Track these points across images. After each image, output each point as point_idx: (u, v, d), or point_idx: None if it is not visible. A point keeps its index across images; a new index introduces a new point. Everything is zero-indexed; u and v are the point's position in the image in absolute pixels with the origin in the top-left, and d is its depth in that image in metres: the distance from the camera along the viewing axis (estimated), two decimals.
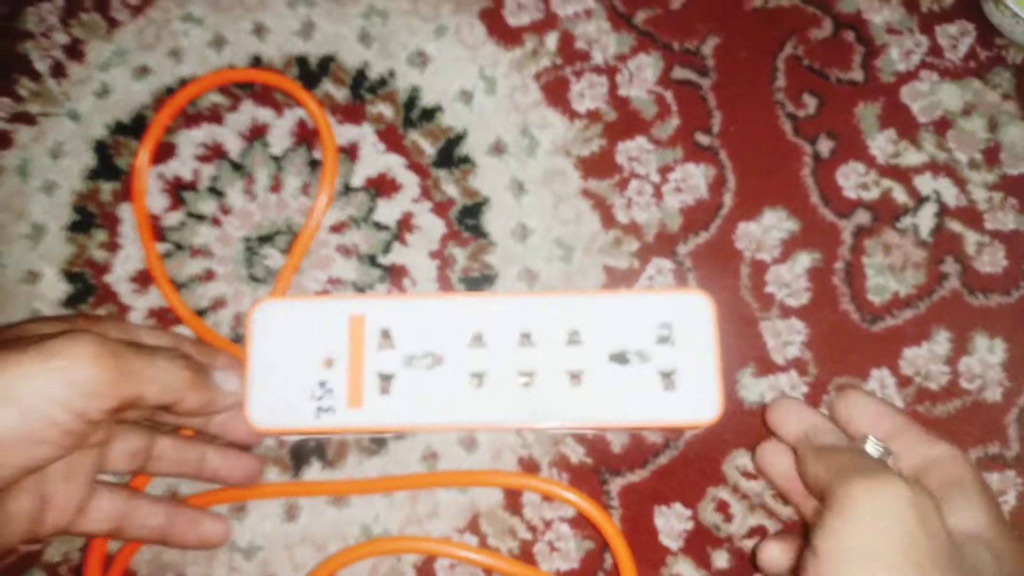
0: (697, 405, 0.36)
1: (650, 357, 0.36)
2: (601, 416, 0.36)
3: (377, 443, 0.40)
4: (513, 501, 0.39)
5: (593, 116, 0.43)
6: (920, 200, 0.41)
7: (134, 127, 0.45)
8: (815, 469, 0.30)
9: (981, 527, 0.28)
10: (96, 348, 0.28)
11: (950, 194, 0.41)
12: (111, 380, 0.28)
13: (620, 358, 0.37)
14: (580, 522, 0.39)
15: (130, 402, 0.30)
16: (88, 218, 0.44)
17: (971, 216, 0.41)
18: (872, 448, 0.32)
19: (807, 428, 0.33)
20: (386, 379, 0.37)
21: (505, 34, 0.45)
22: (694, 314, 0.37)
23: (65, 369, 0.27)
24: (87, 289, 0.44)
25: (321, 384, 0.37)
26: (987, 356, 0.39)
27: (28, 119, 0.46)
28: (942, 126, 0.42)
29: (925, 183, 0.41)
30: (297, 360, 0.37)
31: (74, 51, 0.47)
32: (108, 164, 0.45)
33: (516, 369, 0.37)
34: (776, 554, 0.33)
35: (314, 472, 0.40)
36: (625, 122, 0.43)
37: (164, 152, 0.45)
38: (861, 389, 0.36)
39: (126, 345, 0.30)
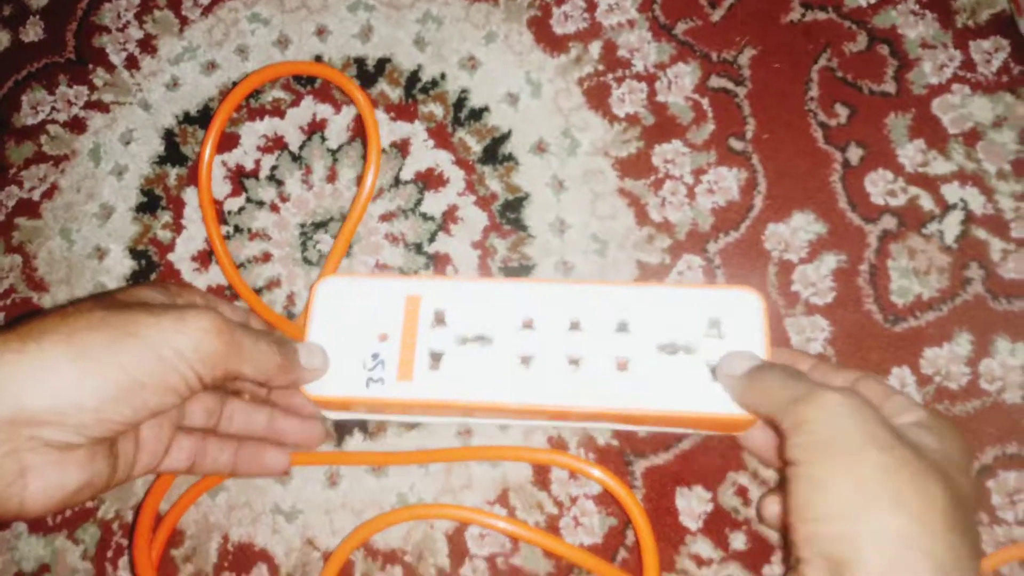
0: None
1: (698, 350, 0.39)
2: (646, 403, 0.39)
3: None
4: (542, 477, 0.44)
5: (632, 120, 0.48)
6: (947, 207, 0.45)
7: (201, 118, 0.52)
8: (757, 399, 0.35)
9: (918, 418, 0.34)
10: (219, 325, 0.34)
11: (977, 202, 0.45)
12: (224, 354, 0.34)
13: (668, 348, 0.40)
14: (604, 499, 0.43)
15: (233, 375, 0.36)
16: (154, 200, 0.51)
17: (997, 224, 0.45)
18: None
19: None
20: (437, 356, 0.41)
21: (551, 41, 0.50)
22: (745, 310, 0.40)
23: (194, 336, 0.33)
24: (150, 266, 0.49)
25: (374, 356, 0.41)
26: (1008, 359, 0.43)
27: (102, 107, 0.53)
28: (972, 137, 0.46)
29: (952, 191, 0.46)
30: (353, 333, 0.41)
31: (147, 45, 0.54)
32: (175, 151, 0.51)
33: (564, 354, 0.40)
34: (776, 508, 0.38)
35: (355, 443, 0.45)
36: (662, 126, 0.48)
37: (228, 142, 0.51)
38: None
39: (240, 326, 0.35)
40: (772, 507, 0.38)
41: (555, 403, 0.39)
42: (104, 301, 0.34)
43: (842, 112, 0.48)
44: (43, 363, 0.31)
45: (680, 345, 0.40)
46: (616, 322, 0.40)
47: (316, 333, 0.42)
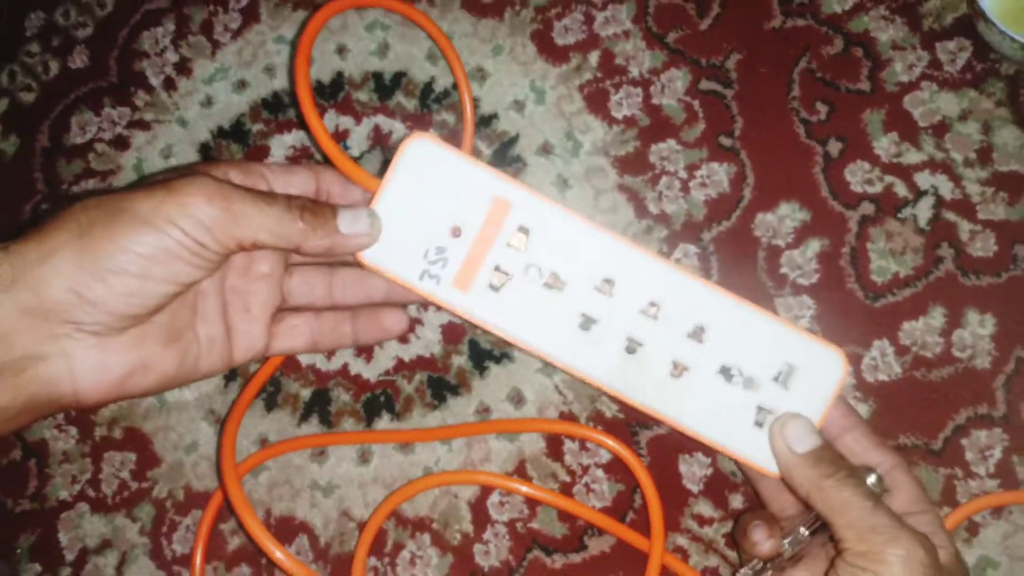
0: (772, 456, 0.38)
1: (759, 389, 0.38)
2: (683, 419, 0.38)
3: (437, 398, 0.49)
4: (555, 449, 0.48)
5: (629, 122, 0.52)
6: (919, 194, 0.49)
7: (233, 132, 0.56)
8: (816, 494, 0.37)
9: (947, 559, 0.37)
10: (210, 190, 0.33)
11: (946, 188, 0.49)
12: (221, 220, 0.33)
13: (729, 374, 0.38)
14: (612, 467, 0.47)
15: (247, 243, 0.34)
16: None
17: (965, 207, 0.49)
18: (873, 485, 0.38)
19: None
20: (502, 276, 0.38)
21: (553, 52, 0.54)
22: (824, 371, 0.39)
23: (183, 205, 0.32)
24: None
25: (439, 250, 0.38)
26: (978, 329, 0.47)
27: (143, 125, 0.58)
28: (940, 129, 0.50)
29: (924, 179, 0.50)
30: (428, 214, 0.38)
31: (183, 68, 0.58)
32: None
33: (626, 334, 0.38)
34: (762, 539, 0.39)
35: (384, 423, 0.49)
36: (657, 127, 0.52)
37: (258, 154, 0.55)
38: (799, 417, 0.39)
39: (240, 190, 0.34)
40: (761, 541, 0.39)
41: (597, 379, 0.39)
42: (107, 192, 0.34)
43: (822, 109, 0.52)
44: (48, 248, 0.31)
45: (743, 376, 0.39)
46: (693, 324, 0.39)
47: (387, 198, 0.38)
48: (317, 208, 0.36)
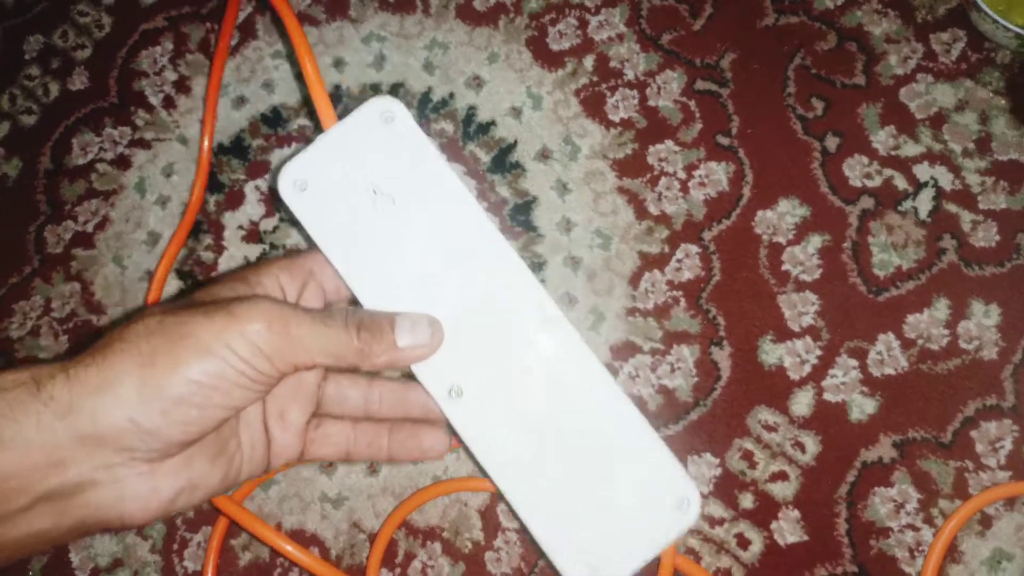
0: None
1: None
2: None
3: None
4: None
5: (626, 124, 0.51)
6: (919, 186, 0.48)
7: (234, 148, 0.55)
8: None
9: None
10: (270, 315, 0.32)
11: (946, 180, 0.48)
12: (281, 347, 0.32)
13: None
14: None
15: (305, 366, 0.33)
16: (196, 225, 0.54)
17: (966, 198, 0.48)
18: None
19: None
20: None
21: (549, 58, 0.53)
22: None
23: (244, 332, 0.31)
24: (196, 285, 0.53)
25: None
26: (983, 320, 0.46)
27: (144, 144, 0.57)
28: (938, 121, 0.49)
29: (923, 171, 0.48)
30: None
31: (182, 86, 0.57)
32: (213, 179, 0.55)
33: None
34: None
35: None
36: (654, 128, 0.51)
37: (259, 168, 0.54)
38: None
39: (298, 312, 0.33)
40: None
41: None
42: (172, 304, 0.33)
43: (818, 105, 0.51)
44: (109, 375, 0.30)
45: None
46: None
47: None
48: (374, 323, 0.34)
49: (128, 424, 0.30)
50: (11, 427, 0.30)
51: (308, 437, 0.38)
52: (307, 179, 0.36)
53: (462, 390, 0.36)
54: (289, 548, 0.44)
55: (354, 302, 0.37)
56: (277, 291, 0.36)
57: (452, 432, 0.37)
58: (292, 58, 0.57)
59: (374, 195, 0.37)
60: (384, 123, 0.37)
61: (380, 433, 0.39)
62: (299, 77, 0.57)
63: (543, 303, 0.36)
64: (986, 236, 0.47)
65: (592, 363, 0.36)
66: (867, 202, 0.49)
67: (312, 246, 0.37)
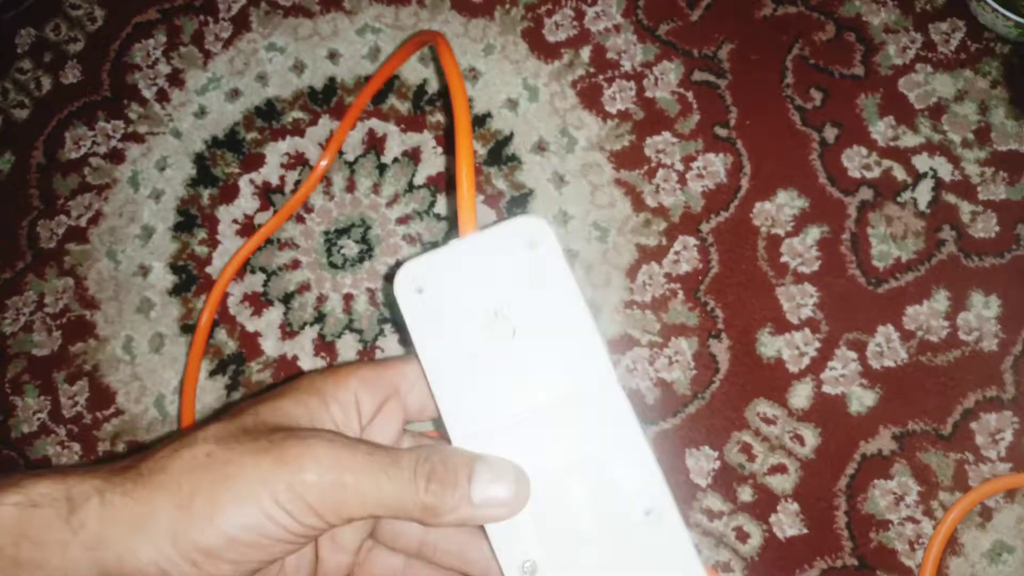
0: None
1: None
2: None
3: None
4: None
5: (623, 116, 0.51)
6: (918, 177, 0.48)
7: (228, 141, 0.54)
8: None
9: None
10: (324, 463, 0.28)
11: (945, 170, 0.48)
12: (333, 501, 0.28)
13: None
14: None
15: (358, 519, 0.29)
16: (190, 219, 0.54)
17: (965, 189, 0.47)
18: None
19: None
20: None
21: (545, 49, 0.53)
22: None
23: (292, 485, 0.28)
24: (190, 279, 0.52)
25: None
26: (983, 311, 0.45)
27: (137, 138, 0.56)
28: (937, 111, 0.49)
29: (922, 162, 0.48)
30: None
31: (175, 79, 0.57)
32: (206, 173, 0.54)
33: None
34: None
35: None
36: (652, 120, 0.51)
37: (254, 162, 0.54)
38: None
39: (359, 457, 0.29)
40: None
41: None
42: (231, 425, 0.30)
43: (817, 96, 0.50)
44: (144, 512, 0.28)
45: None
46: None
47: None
48: (448, 475, 0.29)
49: (155, 570, 0.28)
50: (35, 551, 0.28)
51: (359, 559, 0.35)
52: (427, 281, 0.32)
53: (536, 568, 0.31)
54: None
55: (439, 426, 0.32)
56: (352, 408, 0.32)
57: None
58: (287, 51, 0.56)
59: (495, 317, 0.32)
60: (527, 246, 0.33)
61: None
62: (294, 69, 0.56)
63: (658, 494, 0.31)
64: (985, 227, 0.47)
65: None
66: (866, 193, 0.48)
67: (407, 353, 0.34)
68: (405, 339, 0.33)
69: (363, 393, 0.33)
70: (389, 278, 0.40)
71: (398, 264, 0.34)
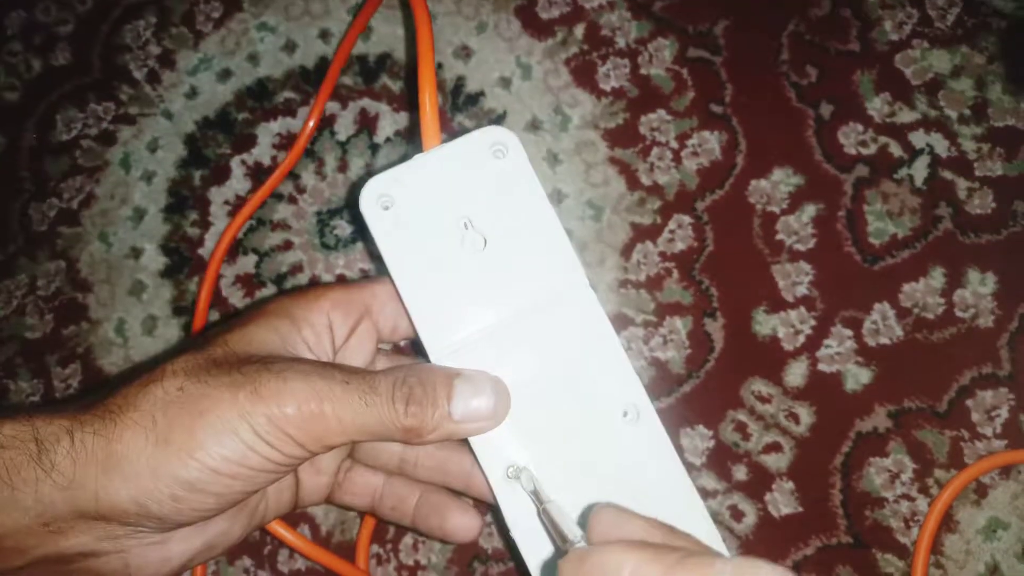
0: None
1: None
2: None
3: None
4: None
5: (617, 93, 0.50)
6: (915, 153, 0.47)
7: (219, 122, 0.54)
8: None
9: None
10: (301, 394, 0.28)
11: (942, 147, 0.47)
12: (314, 430, 0.28)
13: None
14: None
15: (339, 445, 0.30)
16: (182, 201, 0.53)
17: (961, 165, 0.47)
18: None
19: None
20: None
21: (538, 27, 0.52)
22: None
23: (272, 417, 0.28)
24: (182, 261, 0.52)
25: None
26: (979, 288, 0.45)
27: (128, 120, 0.55)
28: (933, 87, 0.48)
29: (919, 138, 0.47)
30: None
31: (166, 60, 0.56)
32: (198, 154, 0.54)
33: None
34: None
35: None
36: (646, 97, 0.50)
37: (245, 142, 0.53)
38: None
39: (335, 385, 0.29)
40: None
41: None
42: (198, 357, 0.29)
43: (812, 72, 0.50)
44: (118, 450, 0.27)
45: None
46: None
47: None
48: (427, 395, 0.29)
49: (135, 507, 0.28)
50: (5, 491, 0.27)
51: (337, 480, 0.35)
52: (394, 197, 0.32)
53: (519, 472, 0.31)
54: (281, 531, 0.43)
55: (415, 344, 0.32)
56: (325, 331, 0.32)
57: (496, 516, 0.32)
58: (278, 31, 0.56)
59: (464, 230, 0.32)
60: (493, 156, 0.33)
61: (408, 496, 0.35)
62: (285, 48, 0.55)
63: (636, 396, 0.31)
64: (982, 203, 0.47)
65: (678, 471, 0.31)
66: (862, 170, 0.48)
67: (378, 273, 0.33)
68: (375, 255, 0.32)
69: (335, 315, 0.32)
70: (354, 203, 0.37)
71: (362, 180, 0.33)
